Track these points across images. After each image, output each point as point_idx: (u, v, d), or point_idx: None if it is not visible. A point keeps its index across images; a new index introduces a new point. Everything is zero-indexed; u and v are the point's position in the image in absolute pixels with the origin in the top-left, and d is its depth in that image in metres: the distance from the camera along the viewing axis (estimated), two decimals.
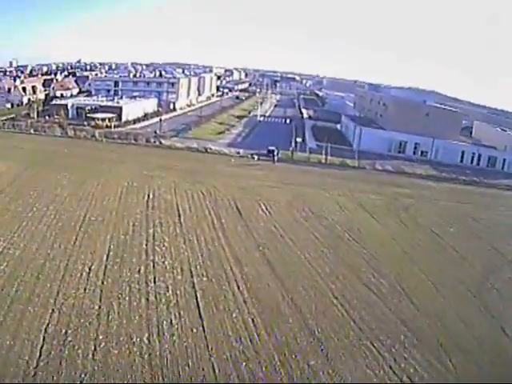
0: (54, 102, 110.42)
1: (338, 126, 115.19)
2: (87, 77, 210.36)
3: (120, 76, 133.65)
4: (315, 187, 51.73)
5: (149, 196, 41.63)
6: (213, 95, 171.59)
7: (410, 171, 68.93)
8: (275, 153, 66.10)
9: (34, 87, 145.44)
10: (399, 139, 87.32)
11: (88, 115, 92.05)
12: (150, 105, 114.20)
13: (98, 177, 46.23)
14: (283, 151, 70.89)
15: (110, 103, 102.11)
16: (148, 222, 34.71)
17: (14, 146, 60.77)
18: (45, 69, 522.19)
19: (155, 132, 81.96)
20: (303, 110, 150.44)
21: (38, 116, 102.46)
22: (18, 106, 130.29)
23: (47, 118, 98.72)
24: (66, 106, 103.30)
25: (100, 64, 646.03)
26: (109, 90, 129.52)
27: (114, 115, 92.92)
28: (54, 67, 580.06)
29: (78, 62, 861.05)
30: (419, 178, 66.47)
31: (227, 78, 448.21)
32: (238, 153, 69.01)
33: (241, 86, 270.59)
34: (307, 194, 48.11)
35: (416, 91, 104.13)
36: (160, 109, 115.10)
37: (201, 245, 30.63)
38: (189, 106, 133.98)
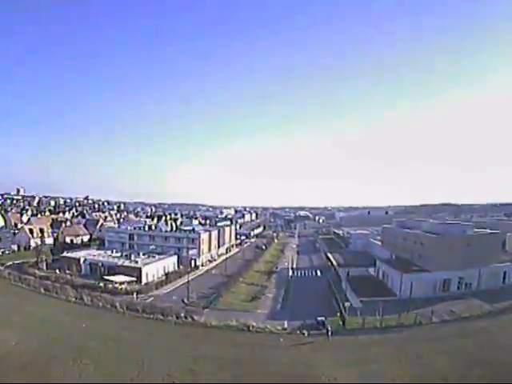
0: (65, 253, 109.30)
1: (372, 271, 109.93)
2: (97, 220, 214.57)
3: (135, 228, 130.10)
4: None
5: None
6: (232, 246, 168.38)
7: (466, 314, 64.63)
8: (327, 325, 58.97)
9: (41, 230, 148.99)
10: (443, 278, 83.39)
11: (105, 277, 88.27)
12: (171, 263, 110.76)
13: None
14: (330, 316, 64.41)
15: (127, 263, 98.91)
16: None
17: (21, 311, 57.48)
18: (52, 203, 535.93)
19: (183, 301, 76.59)
20: (330, 256, 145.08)
21: (47, 267, 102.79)
22: (25, 249, 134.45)
23: (58, 271, 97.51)
24: (79, 260, 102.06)
25: (108, 203, 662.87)
26: (123, 243, 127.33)
27: (134, 278, 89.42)
28: (61, 201, 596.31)
29: (86, 198, 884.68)
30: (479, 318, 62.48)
31: (239, 221, 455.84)
32: (285, 329, 60.99)
33: (256, 231, 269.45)
34: None
35: (449, 224, 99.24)
36: (181, 266, 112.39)
37: None
38: (210, 261, 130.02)
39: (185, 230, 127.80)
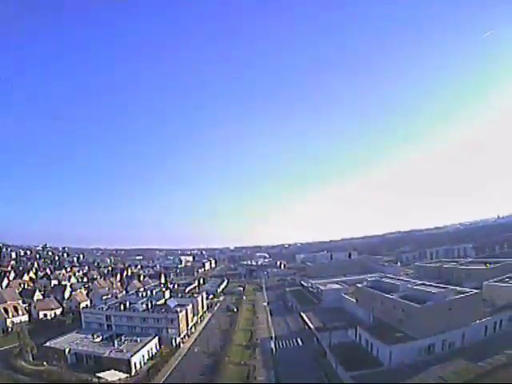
0: (48, 343, 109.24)
1: (351, 334, 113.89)
2: (64, 287, 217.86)
3: (111, 309, 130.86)
4: None
5: None
6: (204, 312, 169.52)
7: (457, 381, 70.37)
8: None
9: (15, 308, 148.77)
10: (427, 343, 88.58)
11: (98, 374, 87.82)
12: (153, 345, 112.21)
13: None
14: None
15: (113, 353, 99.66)
16: None
17: None
18: (13, 254, 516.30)
19: None
20: (305, 318, 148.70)
21: (33, 358, 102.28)
22: (3, 331, 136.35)
23: (45, 364, 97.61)
24: (64, 351, 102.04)
25: (67, 254, 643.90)
26: (101, 324, 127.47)
27: (125, 374, 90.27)
28: (21, 252, 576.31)
29: (44, 248, 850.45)
30: None
31: (200, 271, 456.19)
32: None
33: (222, 287, 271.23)
34: None
35: (427, 288, 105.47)
36: (162, 346, 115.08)
37: None
38: (189, 335, 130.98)
39: (162, 309, 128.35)
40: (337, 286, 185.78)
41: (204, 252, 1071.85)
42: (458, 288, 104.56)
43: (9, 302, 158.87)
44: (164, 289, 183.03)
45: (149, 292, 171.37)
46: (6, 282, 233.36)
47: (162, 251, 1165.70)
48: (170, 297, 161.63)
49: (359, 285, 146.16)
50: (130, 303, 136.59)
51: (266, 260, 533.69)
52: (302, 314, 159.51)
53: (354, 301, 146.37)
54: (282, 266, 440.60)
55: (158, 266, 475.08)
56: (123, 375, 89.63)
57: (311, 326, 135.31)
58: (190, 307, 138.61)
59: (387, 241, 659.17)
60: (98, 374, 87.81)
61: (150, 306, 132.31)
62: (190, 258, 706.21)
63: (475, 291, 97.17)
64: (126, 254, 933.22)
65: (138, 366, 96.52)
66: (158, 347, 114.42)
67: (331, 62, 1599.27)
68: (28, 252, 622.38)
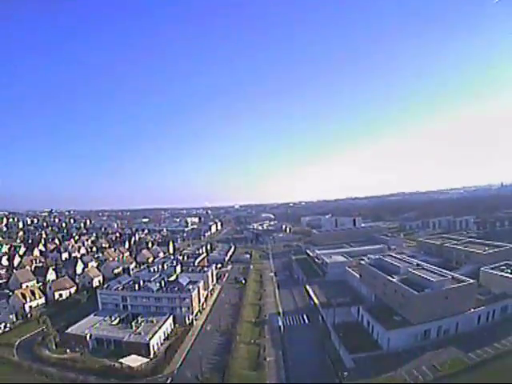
0: (69, 330, 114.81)
1: (354, 312, 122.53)
2: (76, 260, 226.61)
3: (126, 289, 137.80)
4: None
5: None
6: (214, 285, 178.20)
7: (449, 371, 79.59)
8: None
9: (32, 292, 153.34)
10: (423, 329, 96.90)
11: (121, 360, 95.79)
12: (168, 325, 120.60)
13: None
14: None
15: (133, 338, 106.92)
16: None
17: None
18: (20, 224, 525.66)
19: (197, 378, 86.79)
20: (311, 292, 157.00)
21: (56, 346, 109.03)
22: (22, 317, 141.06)
23: (68, 351, 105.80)
24: (85, 337, 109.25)
25: (74, 220, 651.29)
26: (117, 305, 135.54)
27: (146, 359, 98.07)
28: (28, 221, 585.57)
29: (50, 212, 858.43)
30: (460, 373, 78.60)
31: (206, 234, 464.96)
32: None
33: (229, 254, 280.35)
34: None
35: (427, 274, 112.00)
36: (177, 325, 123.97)
37: None
38: (200, 312, 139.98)
39: (175, 288, 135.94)
40: (341, 259, 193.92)
41: (209, 212, 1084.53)
42: (455, 274, 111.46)
43: (25, 285, 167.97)
44: (175, 263, 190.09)
45: (160, 266, 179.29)
46: (17, 259, 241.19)
47: (168, 211, 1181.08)
48: (181, 271, 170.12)
49: (362, 261, 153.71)
50: (144, 281, 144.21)
51: (272, 223, 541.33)
52: (307, 287, 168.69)
53: (358, 276, 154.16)
54: (288, 229, 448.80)
55: (164, 230, 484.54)
56: (144, 360, 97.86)
57: (316, 302, 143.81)
58: (201, 284, 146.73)
59: (391, 204, 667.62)
60: (121, 360, 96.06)
61: (163, 284, 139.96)
62: (196, 220, 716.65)
63: (471, 281, 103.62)
64: (132, 216, 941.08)
65: (155, 348, 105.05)
66: (172, 326, 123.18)
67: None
68: (35, 220, 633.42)
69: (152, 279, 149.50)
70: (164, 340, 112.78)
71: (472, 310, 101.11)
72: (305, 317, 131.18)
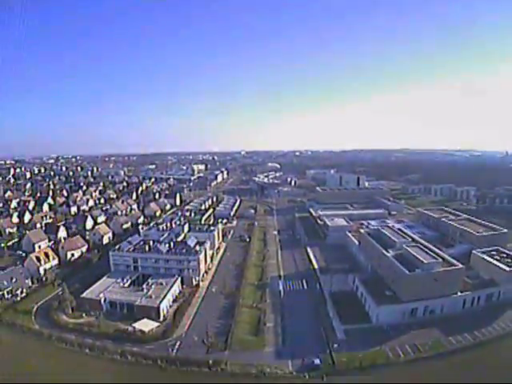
0: (85, 294, 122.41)
1: (350, 280, 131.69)
2: (85, 215, 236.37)
3: (137, 251, 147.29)
4: None
5: None
6: (220, 243, 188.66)
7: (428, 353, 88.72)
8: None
9: (46, 254, 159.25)
10: (411, 307, 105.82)
11: (134, 325, 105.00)
12: (176, 287, 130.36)
13: None
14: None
15: (144, 302, 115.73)
16: None
17: None
18: (28, 174, 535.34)
19: (203, 342, 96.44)
20: (311, 255, 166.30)
21: (72, 311, 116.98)
22: (38, 280, 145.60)
23: (84, 315, 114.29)
24: (100, 301, 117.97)
25: (81, 168, 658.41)
26: (128, 266, 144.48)
27: (156, 324, 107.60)
28: (35, 170, 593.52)
29: (57, 159, 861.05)
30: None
31: (212, 184, 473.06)
32: (291, 372, 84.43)
33: (234, 208, 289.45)
34: None
35: (420, 252, 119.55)
36: (184, 286, 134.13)
37: None
38: (207, 272, 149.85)
39: (183, 249, 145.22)
40: (342, 223, 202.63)
41: (216, 158, 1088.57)
42: (446, 256, 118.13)
43: (37, 246, 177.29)
44: (182, 221, 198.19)
45: (168, 224, 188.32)
46: (28, 216, 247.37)
47: (175, 156, 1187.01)
48: (189, 230, 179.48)
49: (362, 230, 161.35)
50: (154, 242, 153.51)
51: (277, 175, 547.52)
52: (308, 249, 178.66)
53: (357, 243, 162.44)
54: (293, 182, 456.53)
55: (171, 179, 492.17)
56: (155, 324, 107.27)
57: (315, 267, 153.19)
58: (208, 245, 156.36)
59: (396, 162, 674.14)
60: (134, 325, 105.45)
61: (171, 245, 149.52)
62: (203, 167, 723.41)
63: (459, 266, 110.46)
64: (139, 162, 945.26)
65: (165, 311, 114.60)
66: (180, 287, 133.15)
67: None
68: (42, 169, 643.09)
69: (161, 239, 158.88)
70: (173, 302, 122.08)
71: (459, 293, 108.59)
72: (304, 282, 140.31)
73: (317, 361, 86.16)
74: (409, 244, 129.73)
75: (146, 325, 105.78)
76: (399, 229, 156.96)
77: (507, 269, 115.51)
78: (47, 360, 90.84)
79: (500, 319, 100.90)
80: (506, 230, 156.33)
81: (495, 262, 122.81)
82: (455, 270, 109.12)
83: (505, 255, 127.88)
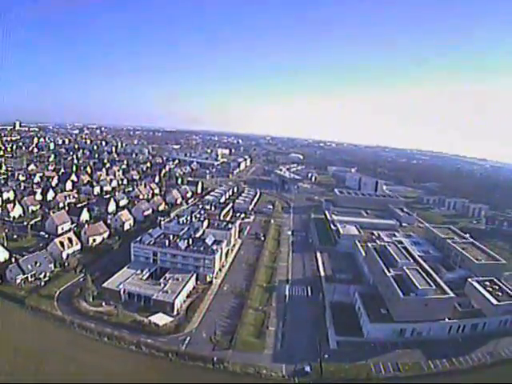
0: (106, 284, 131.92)
1: (352, 291, 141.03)
2: (108, 199, 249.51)
3: (157, 245, 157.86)
4: None
5: None
6: (236, 240, 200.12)
7: (407, 373, 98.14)
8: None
9: (69, 239, 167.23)
10: (400, 327, 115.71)
11: (150, 318, 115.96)
12: (191, 283, 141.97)
13: None
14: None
15: (160, 296, 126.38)
16: None
17: None
18: (51, 145, 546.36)
19: (211, 340, 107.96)
20: (319, 262, 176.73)
21: (93, 299, 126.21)
22: (60, 265, 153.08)
23: (104, 304, 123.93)
24: (119, 292, 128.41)
25: (105, 142, 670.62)
26: (147, 258, 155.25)
27: (170, 318, 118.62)
28: (59, 141, 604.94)
29: (81, 130, 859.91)
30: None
31: (235, 172, 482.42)
32: (284, 376, 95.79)
33: (253, 202, 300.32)
34: None
35: (417, 276, 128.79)
36: (198, 282, 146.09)
37: None
38: (221, 269, 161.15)
39: (201, 247, 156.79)
40: (354, 231, 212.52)
41: (241, 141, 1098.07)
42: (441, 283, 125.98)
43: (60, 228, 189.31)
44: (202, 216, 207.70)
45: (188, 218, 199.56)
46: (51, 193, 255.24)
47: (200, 135, 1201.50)
48: (208, 225, 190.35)
49: (369, 244, 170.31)
50: (173, 236, 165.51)
51: (299, 168, 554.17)
52: (318, 254, 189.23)
53: (364, 254, 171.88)
54: (314, 178, 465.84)
55: (195, 163, 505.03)
56: (169, 319, 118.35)
57: (321, 275, 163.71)
58: (224, 244, 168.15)
59: (416, 166, 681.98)
60: (150, 318, 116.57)
61: (190, 241, 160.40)
62: (227, 151, 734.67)
63: (451, 295, 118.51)
64: (163, 139, 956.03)
65: (179, 306, 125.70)
66: (194, 283, 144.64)
67: None
68: (66, 140, 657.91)
69: (181, 233, 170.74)
70: (186, 297, 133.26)
71: (446, 319, 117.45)
72: (309, 289, 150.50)
73: (307, 368, 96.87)
74: (409, 265, 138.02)
75: (160, 319, 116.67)
76: (404, 247, 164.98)
77: (494, 302, 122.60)
78: (69, 347, 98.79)
79: (479, 350, 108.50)
80: (504, 262, 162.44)
81: (486, 293, 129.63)
82: (446, 299, 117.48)
83: (497, 287, 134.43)
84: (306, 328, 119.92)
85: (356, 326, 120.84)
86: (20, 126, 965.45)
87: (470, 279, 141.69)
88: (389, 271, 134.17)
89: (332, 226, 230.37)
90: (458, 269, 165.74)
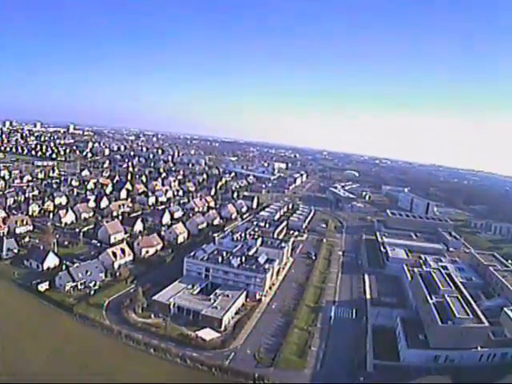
0: (156, 297, 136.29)
1: (394, 315, 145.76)
2: (163, 210, 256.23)
3: (210, 260, 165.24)
4: None
5: None
6: (288, 258, 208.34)
7: None
8: None
9: (123, 250, 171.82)
10: (435, 354, 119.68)
11: (198, 334, 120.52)
12: (240, 300, 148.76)
13: None
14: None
15: (209, 312, 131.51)
16: None
17: None
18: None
19: (254, 357, 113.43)
20: (366, 284, 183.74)
21: (142, 310, 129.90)
22: (111, 275, 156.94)
23: (153, 317, 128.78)
24: (169, 305, 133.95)
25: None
26: (199, 273, 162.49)
27: (217, 334, 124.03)
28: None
29: (137, 136, 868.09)
30: None
31: (290, 187, 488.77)
32: None
33: (307, 220, 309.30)
34: None
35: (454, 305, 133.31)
36: (247, 300, 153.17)
37: None
38: (270, 288, 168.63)
39: (253, 265, 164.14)
40: (402, 255, 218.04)
41: (298, 155, 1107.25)
42: (478, 311, 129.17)
43: (113, 238, 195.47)
44: (256, 234, 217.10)
45: (242, 234, 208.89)
46: (105, 201, 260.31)
47: (257, 147, 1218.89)
48: (262, 243, 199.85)
49: (416, 269, 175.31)
50: (227, 253, 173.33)
51: (354, 186, 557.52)
52: (365, 277, 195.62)
53: (410, 279, 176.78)
54: (367, 197, 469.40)
55: (251, 177, 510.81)
56: (216, 334, 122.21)
57: (367, 297, 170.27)
58: (276, 262, 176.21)
59: (467, 187, 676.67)
60: (197, 332, 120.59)
61: (243, 259, 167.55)
62: (283, 166, 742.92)
63: (486, 325, 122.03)
64: (220, 150, 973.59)
65: (226, 322, 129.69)
66: (243, 300, 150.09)
67: None
68: (122, 147, 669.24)
69: (234, 250, 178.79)
70: (235, 314, 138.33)
71: (479, 348, 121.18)
72: (354, 311, 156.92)
73: None
74: (450, 294, 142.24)
75: (208, 334, 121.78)
76: (448, 273, 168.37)
77: None
78: (114, 356, 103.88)
79: (504, 379, 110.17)
80: None
81: None
82: (481, 329, 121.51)
83: None
84: (346, 350, 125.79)
85: (394, 350, 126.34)
86: (74, 128, 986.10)
87: (505, 308, 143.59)
88: (431, 298, 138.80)
89: (382, 249, 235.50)
90: (496, 297, 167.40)
